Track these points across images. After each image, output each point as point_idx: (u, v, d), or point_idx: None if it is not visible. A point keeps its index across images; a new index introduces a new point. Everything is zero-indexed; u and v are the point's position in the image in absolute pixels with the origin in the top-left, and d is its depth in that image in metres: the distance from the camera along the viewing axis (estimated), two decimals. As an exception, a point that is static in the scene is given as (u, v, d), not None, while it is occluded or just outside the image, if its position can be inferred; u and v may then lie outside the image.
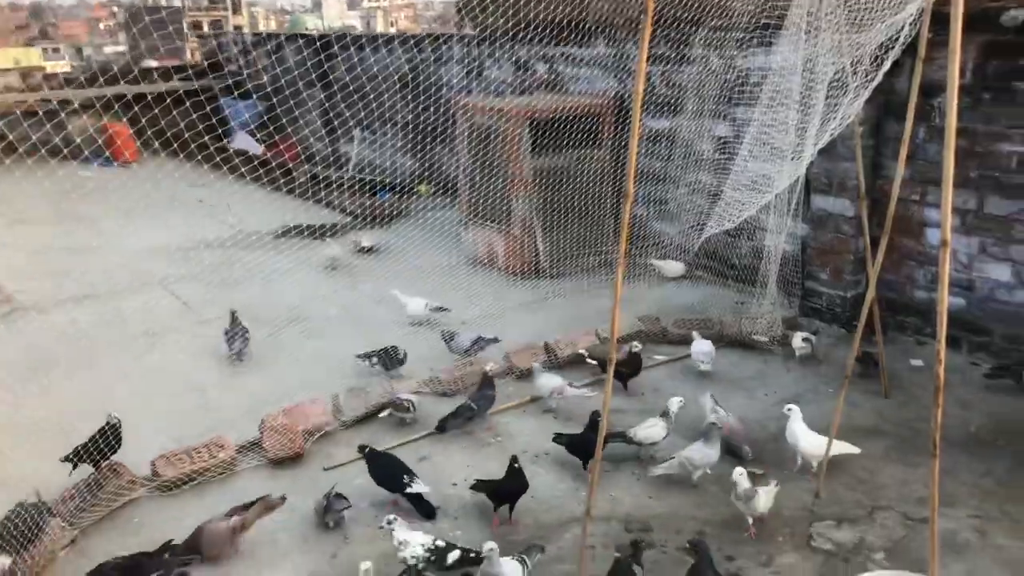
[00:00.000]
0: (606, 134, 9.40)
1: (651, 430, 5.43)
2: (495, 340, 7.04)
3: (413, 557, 4.09)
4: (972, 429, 5.74)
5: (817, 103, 5.69)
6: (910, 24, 4.96)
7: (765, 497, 4.68)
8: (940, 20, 4.18)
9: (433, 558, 4.12)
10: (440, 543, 4.21)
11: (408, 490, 4.90)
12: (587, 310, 7.97)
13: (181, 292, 8.72)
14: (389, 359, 6.68)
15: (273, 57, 16.14)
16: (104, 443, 5.20)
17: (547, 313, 8.15)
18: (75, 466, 5.19)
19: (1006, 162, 6.51)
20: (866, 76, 5.33)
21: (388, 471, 5.05)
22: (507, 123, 8.99)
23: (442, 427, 5.85)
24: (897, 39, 5.11)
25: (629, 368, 6.40)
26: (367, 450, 5.14)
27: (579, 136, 9.11)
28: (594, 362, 6.64)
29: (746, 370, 6.84)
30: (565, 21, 9.85)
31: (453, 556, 4.13)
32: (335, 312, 8.18)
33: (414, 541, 4.15)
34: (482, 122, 9.32)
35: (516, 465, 4.83)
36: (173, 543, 4.41)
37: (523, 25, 10.21)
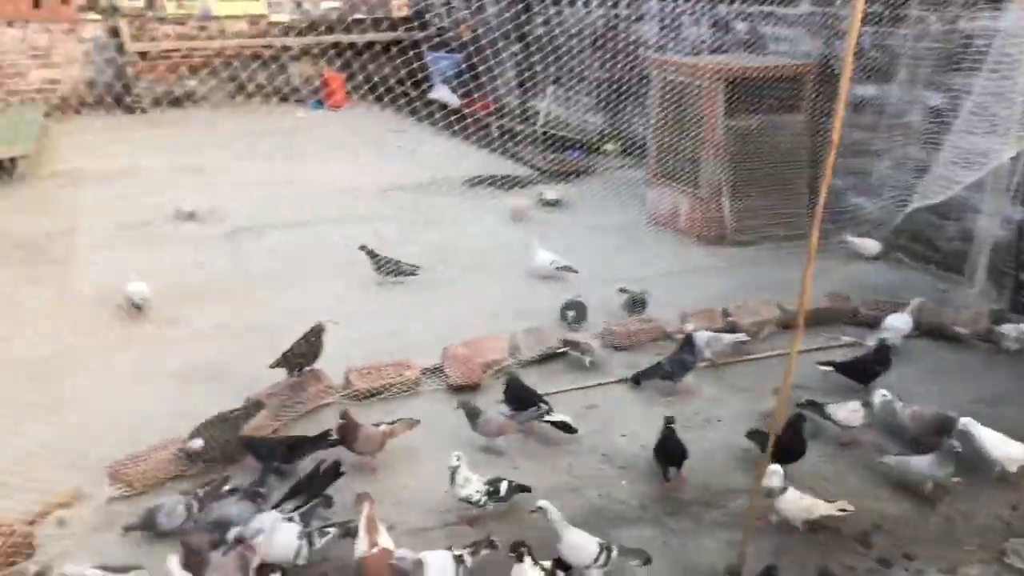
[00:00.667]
0: (806, 99, 9.00)
1: (852, 414, 5.20)
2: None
3: (477, 492, 4.46)
4: None
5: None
6: None
7: (797, 504, 4.30)
8: None
9: (492, 490, 4.50)
10: (492, 478, 4.57)
11: (549, 417, 5.27)
12: (770, 280, 7.71)
13: (379, 228, 9.30)
14: (581, 312, 6.81)
15: (474, 9, 16.60)
16: (309, 349, 5.71)
17: (727, 279, 7.96)
18: (292, 370, 5.70)
19: None
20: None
21: (527, 394, 5.37)
22: (702, 81, 8.81)
23: (637, 379, 5.91)
24: None
25: (877, 362, 5.80)
26: (510, 376, 5.48)
27: (777, 99, 8.77)
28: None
29: (943, 363, 6.34)
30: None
31: (504, 487, 4.53)
32: (517, 258, 8.46)
33: (474, 479, 4.51)
34: (676, 80, 9.17)
35: (671, 426, 4.84)
36: (330, 431, 4.98)
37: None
